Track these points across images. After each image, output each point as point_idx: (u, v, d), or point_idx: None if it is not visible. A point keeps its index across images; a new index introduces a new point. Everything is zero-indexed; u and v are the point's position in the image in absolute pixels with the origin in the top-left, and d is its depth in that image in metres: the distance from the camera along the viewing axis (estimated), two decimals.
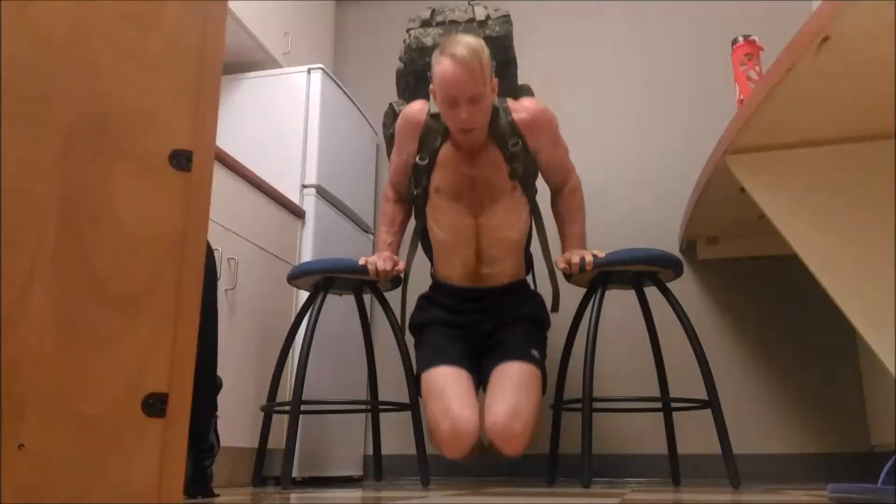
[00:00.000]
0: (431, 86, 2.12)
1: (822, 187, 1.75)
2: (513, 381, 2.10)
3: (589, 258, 2.15)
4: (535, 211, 2.34)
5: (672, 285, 2.26)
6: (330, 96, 2.90)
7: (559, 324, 2.47)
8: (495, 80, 2.13)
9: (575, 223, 2.32)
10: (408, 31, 2.41)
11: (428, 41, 2.32)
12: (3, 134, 0.73)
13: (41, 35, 0.77)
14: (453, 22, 2.34)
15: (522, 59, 3.29)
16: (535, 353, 2.18)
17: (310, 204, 2.71)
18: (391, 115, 2.43)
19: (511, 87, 2.37)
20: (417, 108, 2.25)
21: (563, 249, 2.31)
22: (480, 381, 2.28)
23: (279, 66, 2.93)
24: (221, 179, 2.19)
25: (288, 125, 2.78)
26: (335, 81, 2.97)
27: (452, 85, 2.01)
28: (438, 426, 2.04)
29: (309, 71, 2.85)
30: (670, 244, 2.96)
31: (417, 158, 2.24)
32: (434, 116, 2.20)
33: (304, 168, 2.74)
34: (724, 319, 2.86)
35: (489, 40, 2.23)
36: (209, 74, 0.83)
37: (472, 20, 2.33)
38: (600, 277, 2.20)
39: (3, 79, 0.74)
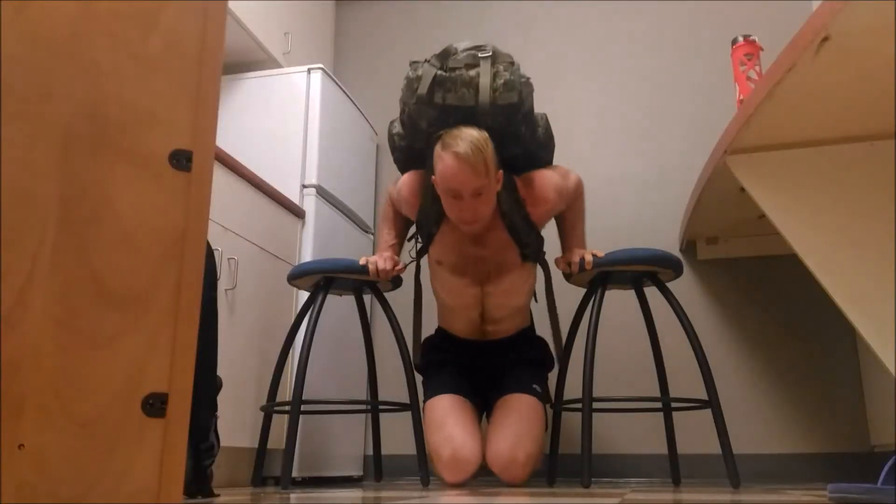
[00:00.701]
0: (433, 177, 2.02)
1: (822, 187, 1.75)
2: (515, 413, 2.14)
3: (589, 258, 2.16)
4: (544, 267, 2.34)
5: (672, 285, 2.26)
6: (330, 96, 2.90)
7: (559, 323, 2.47)
8: (500, 172, 2.03)
9: (575, 223, 2.32)
10: (402, 102, 2.12)
11: (422, 124, 2.06)
12: (2, 134, 0.73)
13: (41, 35, 0.77)
14: (454, 108, 2.00)
15: (522, 58, 3.29)
16: (536, 387, 2.24)
17: (310, 204, 2.71)
18: (391, 140, 2.25)
19: (523, 149, 2.14)
20: (410, 190, 2.16)
21: (564, 249, 2.31)
22: (485, 412, 2.34)
23: (279, 66, 2.93)
24: (221, 179, 2.19)
25: (288, 125, 2.78)
26: (335, 81, 2.97)
27: (455, 181, 1.94)
28: (440, 454, 2.08)
29: (309, 71, 2.85)
30: (670, 244, 2.96)
31: (415, 238, 2.25)
32: (431, 199, 2.10)
33: (304, 168, 2.74)
34: (724, 319, 2.86)
35: (493, 131, 2.01)
36: (209, 74, 0.83)
37: (472, 109, 2.00)
38: (600, 277, 2.20)
39: (3, 79, 0.74)
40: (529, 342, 2.38)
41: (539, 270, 2.36)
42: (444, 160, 1.95)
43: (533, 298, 2.41)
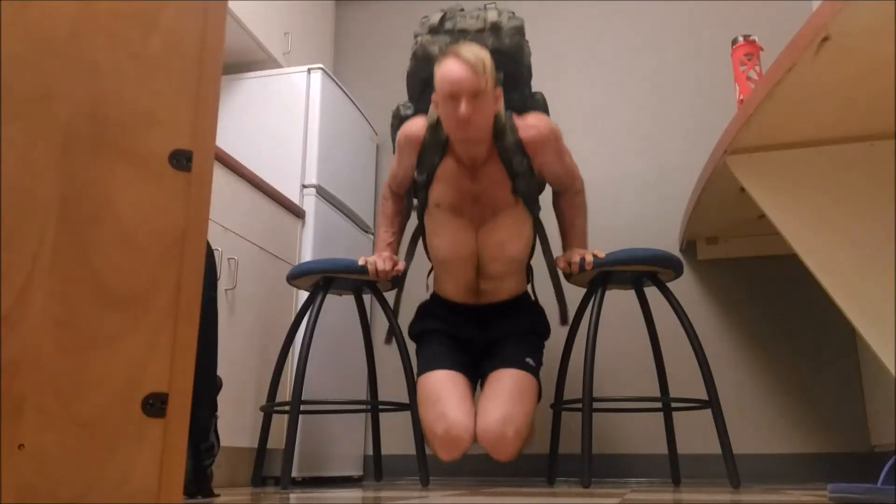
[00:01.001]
0: (434, 95, 2.10)
1: (822, 187, 1.75)
2: (506, 388, 2.11)
3: (589, 258, 2.16)
4: (539, 229, 2.33)
5: (672, 285, 2.26)
6: (330, 96, 2.90)
7: (559, 324, 2.47)
8: (499, 90, 2.09)
9: (576, 222, 2.32)
10: (415, 36, 2.31)
11: (434, 50, 2.22)
12: (3, 134, 0.73)
13: (41, 34, 0.77)
14: (463, 31, 2.22)
15: None
16: (529, 360, 2.20)
17: (310, 204, 2.71)
18: (397, 116, 2.39)
19: (522, 99, 2.29)
20: (417, 125, 2.21)
21: (564, 249, 2.31)
22: (479, 384, 2.29)
23: (279, 66, 2.93)
24: (221, 179, 2.19)
25: (288, 125, 2.78)
26: (335, 81, 2.97)
27: (453, 79, 1.98)
28: (434, 430, 2.06)
29: (309, 71, 2.85)
30: (670, 244, 2.96)
31: (416, 174, 2.23)
32: (433, 131, 2.16)
33: (304, 168, 2.74)
34: (724, 319, 2.86)
35: (499, 52, 2.16)
36: (209, 74, 0.83)
37: (482, 30, 2.20)
38: (600, 277, 2.20)
39: (3, 79, 0.74)
40: (525, 310, 2.33)
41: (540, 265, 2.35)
42: (444, 63, 2.03)
43: (532, 288, 2.41)
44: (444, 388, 2.11)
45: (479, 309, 2.29)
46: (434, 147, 2.17)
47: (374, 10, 3.65)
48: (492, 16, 2.21)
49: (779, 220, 1.75)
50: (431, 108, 2.17)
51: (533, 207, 2.25)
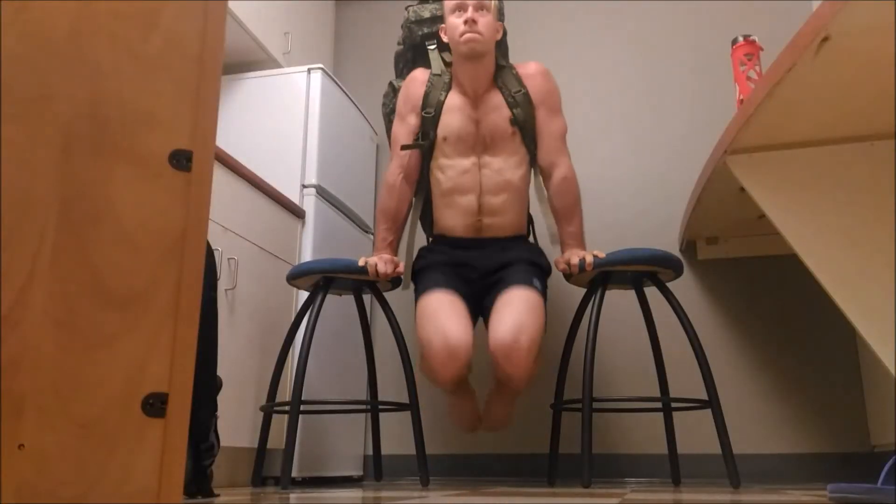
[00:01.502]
0: (441, 28, 2.37)
1: (822, 187, 1.75)
2: (517, 302, 2.08)
3: (589, 258, 2.16)
4: (535, 169, 2.42)
5: (672, 285, 2.26)
6: (330, 96, 2.90)
7: (559, 324, 2.47)
8: (501, 24, 2.35)
9: (572, 222, 2.31)
10: (406, 8, 2.52)
11: (425, 13, 2.45)
12: (3, 134, 0.73)
13: (41, 35, 0.77)
14: None
15: (522, 58, 3.29)
16: (536, 282, 2.19)
17: (310, 204, 2.71)
18: (391, 93, 2.52)
19: (504, 52, 2.51)
20: (420, 71, 2.42)
21: (563, 249, 2.31)
22: (481, 316, 2.31)
23: (279, 66, 2.93)
24: (221, 179, 2.19)
25: (288, 125, 2.78)
26: (335, 81, 2.97)
27: None
28: (431, 344, 2.02)
29: (309, 71, 2.85)
30: (670, 244, 2.96)
31: (424, 112, 2.34)
32: (437, 76, 2.37)
33: (304, 168, 2.74)
34: (724, 319, 2.86)
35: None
36: (209, 74, 0.83)
37: None
38: (600, 277, 2.20)
39: (3, 79, 0.74)
40: (526, 246, 2.34)
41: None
42: None
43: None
44: (441, 305, 2.10)
45: (480, 242, 2.31)
46: (439, 86, 2.37)
47: (374, 10, 3.65)
48: None
49: (779, 220, 1.75)
50: (435, 58, 2.40)
51: (529, 142, 2.34)
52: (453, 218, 2.31)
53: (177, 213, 0.78)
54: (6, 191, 0.72)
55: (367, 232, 3.22)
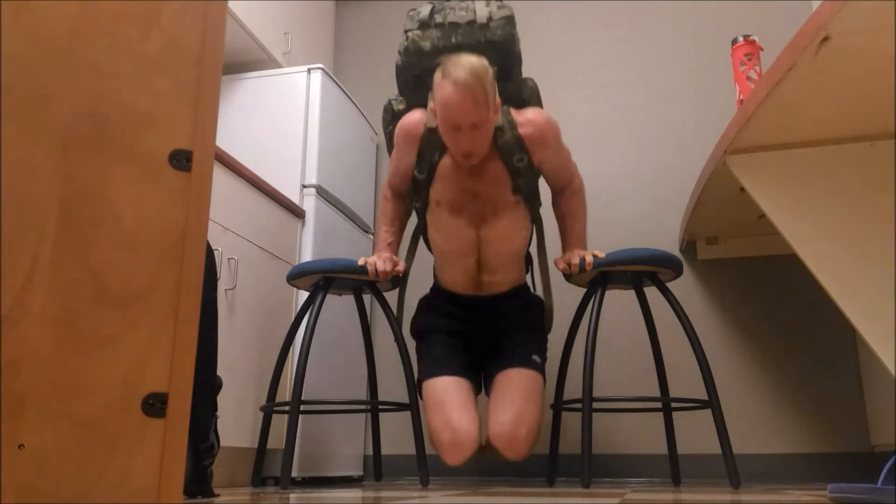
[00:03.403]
0: (431, 104, 2.07)
1: (822, 187, 1.75)
2: (516, 389, 2.13)
3: (589, 258, 2.16)
4: (537, 223, 2.34)
5: (672, 285, 2.26)
6: (330, 96, 2.90)
7: (559, 324, 2.47)
8: (498, 101, 2.06)
9: (576, 223, 2.32)
10: (405, 31, 2.26)
11: (426, 45, 2.18)
12: (3, 134, 0.73)
13: (41, 35, 0.77)
14: (453, 24, 2.16)
15: (523, 59, 3.29)
16: (536, 358, 2.21)
17: (310, 204, 2.71)
18: (389, 111, 2.37)
19: (515, 89, 2.27)
20: (415, 120, 2.18)
21: (564, 249, 2.31)
22: (482, 385, 2.30)
23: (279, 66, 2.93)
24: (221, 179, 2.19)
25: (288, 125, 2.78)
26: (335, 81, 2.97)
27: (454, 112, 1.95)
28: (440, 436, 2.08)
29: (309, 71, 2.85)
30: (670, 244, 2.96)
31: (416, 172, 2.21)
32: (430, 132, 2.14)
33: (304, 168, 2.74)
34: (724, 319, 2.86)
35: (490, 45, 2.13)
36: (209, 74, 0.83)
37: (472, 22, 2.16)
38: (600, 277, 2.20)
39: (3, 79, 0.74)
40: (525, 304, 2.33)
41: (537, 264, 2.34)
42: (443, 89, 1.97)
43: (531, 279, 2.42)
44: (448, 395, 2.14)
45: (480, 300, 2.29)
46: (433, 146, 2.15)
47: (374, 10, 3.65)
48: (480, 8, 2.16)
49: (779, 220, 1.75)
50: (429, 110, 2.13)
51: (533, 203, 2.26)
52: (453, 276, 2.30)
53: (177, 213, 0.78)
54: (6, 191, 0.72)
55: (367, 232, 3.22)
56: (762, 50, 2.32)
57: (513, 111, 2.17)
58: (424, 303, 2.39)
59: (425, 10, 2.23)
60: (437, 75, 2.00)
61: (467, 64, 1.96)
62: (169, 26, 0.82)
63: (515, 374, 2.16)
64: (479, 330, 2.29)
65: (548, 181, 2.32)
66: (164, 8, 0.82)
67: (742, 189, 1.86)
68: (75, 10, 0.79)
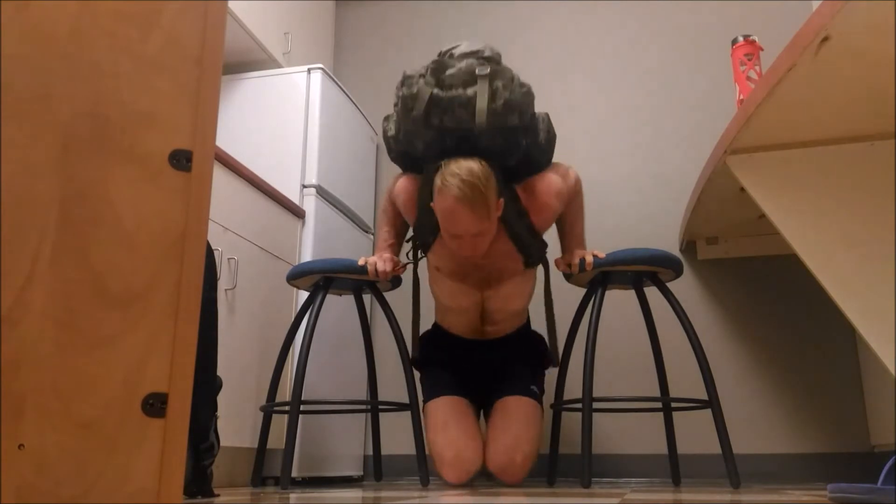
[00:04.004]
0: (433, 204, 1.97)
1: (822, 187, 1.75)
2: (513, 416, 2.18)
3: (589, 258, 2.16)
4: (544, 264, 2.30)
5: (672, 285, 2.26)
6: (330, 96, 2.90)
7: (559, 324, 2.47)
8: (500, 201, 1.97)
9: (575, 224, 2.32)
10: (395, 105, 2.06)
11: (419, 146, 2.02)
12: (3, 134, 0.73)
13: (41, 34, 0.77)
14: (451, 130, 1.94)
15: (522, 58, 3.30)
16: (534, 388, 2.27)
17: (310, 204, 2.71)
18: (385, 135, 2.18)
19: (536, 160, 2.11)
20: (408, 195, 2.11)
21: (563, 250, 2.31)
22: (482, 409, 2.38)
23: (279, 66, 2.93)
24: (221, 179, 2.19)
25: (288, 125, 2.78)
26: (335, 81, 2.97)
27: (455, 225, 1.91)
28: (443, 457, 2.12)
29: (309, 71, 2.85)
30: (670, 244, 2.96)
31: (413, 242, 2.20)
32: (428, 213, 2.02)
33: (304, 168, 2.74)
34: (724, 319, 2.86)
35: (492, 152, 1.96)
36: (209, 74, 0.83)
37: (470, 132, 1.93)
38: (600, 277, 2.20)
39: (3, 79, 0.74)
40: (526, 340, 2.40)
41: (540, 275, 2.35)
42: (443, 200, 1.89)
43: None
44: (451, 415, 2.18)
45: (482, 343, 2.35)
46: (429, 225, 2.06)
47: (374, 10, 3.65)
48: (481, 106, 1.89)
49: (779, 220, 1.75)
50: (423, 183, 2.02)
51: (542, 261, 2.25)
52: (455, 324, 2.33)
53: (177, 213, 0.78)
54: (6, 191, 0.72)
55: (367, 232, 3.22)
56: (762, 50, 2.32)
57: (520, 193, 2.07)
58: (426, 338, 2.43)
59: (422, 103, 1.93)
60: (437, 181, 1.90)
61: (467, 175, 1.85)
62: (169, 26, 0.82)
63: (513, 402, 2.21)
64: (480, 364, 2.35)
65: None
66: (164, 8, 0.82)
67: (742, 189, 1.86)
68: (75, 10, 0.78)
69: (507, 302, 2.23)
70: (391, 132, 2.15)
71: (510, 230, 2.07)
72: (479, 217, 1.88)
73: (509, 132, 1.95)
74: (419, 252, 2.24)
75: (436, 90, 1.93)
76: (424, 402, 2.29)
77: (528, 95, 2.00)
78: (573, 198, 2.30)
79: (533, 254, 2.15)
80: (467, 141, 1.93)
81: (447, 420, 2.16)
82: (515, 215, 2.05)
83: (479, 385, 2.34)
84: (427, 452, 2.18)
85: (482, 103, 1.89)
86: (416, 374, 2.34)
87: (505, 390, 2.25)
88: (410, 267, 2.36)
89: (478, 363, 2.35)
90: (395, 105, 2.05)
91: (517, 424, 2.15)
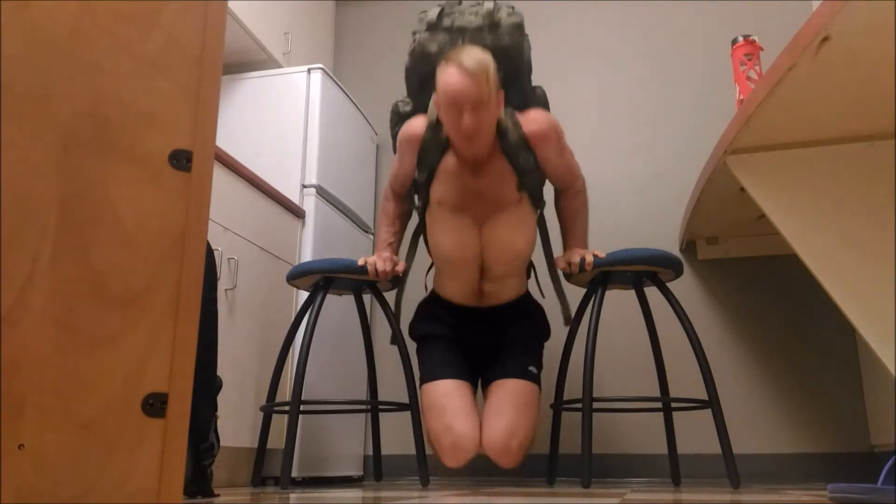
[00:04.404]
0: (434, 97, 2.07)
1: (822, 187, 1.75)
2: (510, 400, 2.15)
3: (589, 258, 2.16)
4: (542, 226, 2.35)
5: (672, 285, 2.26)
6: (330, 96, 2.90)
7: (559, 324, 2.47)
8: (501, 93, 2.06)
9: (577, 223, 2.32)
10: (414, 33, 2.26)
11: (433, 48, 2.18)
12: (3, 134, 0.73)
13: (41, 34, 0.77)
14: (461, 28, 2.16)
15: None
16: (532, 369, 2.23)
17: (310, 204, 2.71)
18: (396, 112, 2.36)
19: (523, 96, 2.25)
20: (416, 125, 2.18)
21: (565, 249, 2.31)
22: (481, 380, 2.31)
23: (279, 66, 2.93)
24: (221, 179, 2.19)
25: (288, 125, 2.78)
26: (335, 81, 2.97)
27: (456, 91, 1.95)
28: (441, 442, 2.10)
29: (309, 71, 2.85)
30: (670, 244, 2.96)
31: (416, 174, 2.22)
32: (433, 130, 2.13)
33: (304, 168, 2.74)
34: (724, 319, 2.86)
35: (498, 50, 2.11)
36: (209, 74, 0.83)
37: (480, 28, 2.15)
38: (600, 277, 2.20)
39: (3, 79, 0.74)
40: (526, 312, 2.34)
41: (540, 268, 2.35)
42: (446, 72, 1.98)
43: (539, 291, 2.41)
44: (449, 399, 2.15)
45: (480, 312, 2.30)
46: (434, 145, 2.15)
47: (374, 10, 3.65)
48: (489, 10, 2.17)
49: (779, 220, 1.75)
50: (432, 105, 2.14)
51: (538, 203, 2.26)
52: (453, 287, 2.28)
53: (177, 213, 0.78)
54: (6, 191, 0.72)
55: (367, 232, 3.22)
56: (762, 50, 2.32)
57: (517, 113, 2.17)
58: (423, 308, 2.39)
59: (433, 13, 2.21)
60: (441, 64, 2.02)
61: (470, 51, 1.99)
62: (169, 26, 0.82)
63: (511, 385, 2.18)
64: (478, 338, 2.30)
65: (552, 181, 2.31)
66: (164, 8, 0.82)
67: (742, 189, 1.86)
68: (75, 10, 0.79)
69: (507, 242, 2.16)
70: (399, 101, 2.35)
71: (505, 144, 2.11)
72: (479, 84, 1.94)
73: (516, 31, 2.17)
74: (424, 191, 2.25)
75: (446, 5, 2.25)
76: (421, 381, 2.24)
77: (524, 33, 2.24)
78: (575, 195, 2.30)
79: (527, 171, 2.15)
80: (478, 39, 2.14)
81: (445, 405, 2.13)
82: (511, 124, 2.12)
83: (478, 360, 2.30)
84: (425, 440, 2.17)
85: (489, 5, 2.18)
86: (419, 377, 2.33)
87: (503, 371, 2.21)
88: (412, 269, 2.36)
89: (477, 335, 2.29)
90: (413, 31, 2.27)
91: (514, 410, 2.12)
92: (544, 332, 2.36)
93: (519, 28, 2.18)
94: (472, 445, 2.08)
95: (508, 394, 2.16)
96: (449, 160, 2.14)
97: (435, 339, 2.30)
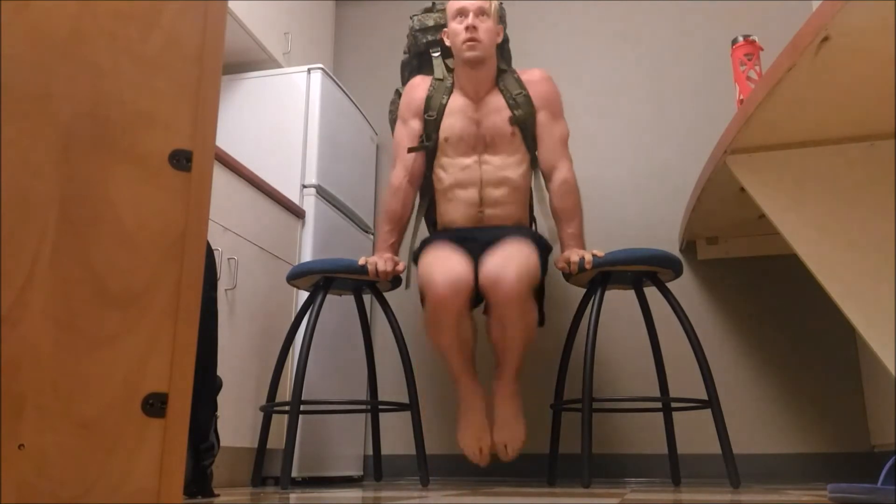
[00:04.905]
0: (443, 32, 2.45)
1: (822, 187, 1.75)
2: (507, 245, 2.13)
3: (588, 258, 2.16)
4: (535, 169, 2.46)
5: (672, 285, 2.26)
6: (330, 96, 2.90)
7: (559, 323, 2.47)
8: (501, 27, 2.41)
9: (572, 223, 2.32)
10: (411, 17, 2.60)
11: (430, 21, 2.53)
12: (3, 134, 0.73)
13: (41, 34, 0.77)
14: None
15: (522, 59, 3.29)
16: (531, 241, 2.23)
17: (310, 204, 2.71)
18: (396, 100, 2.61)
19: (507, 59, 2.56)
20: (420, 78, 2.49)
21: (562, 249, 2.31)
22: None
23: (279, 66, 2.93)
24: (221, 179, 2.19)
25: (288, 125, 2.78)
26: (335, 81, 2.97)
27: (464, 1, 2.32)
28: (433, 278, 2.03)
29: (309, 71, 2.85)
30: (670, 244, 2.96)
31: (426, 115, 2.41)
32: (439, 82, 2.44)
33: (304, 168, 2.74)
34: (724, 319, 2.86)
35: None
36: (209, 74, 0.83)
37: None
38: (600, 277, 2.20)
39: (3, 79, 0.74)
40: (527, 230, 2.36)
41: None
42: None
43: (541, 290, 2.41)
44: (444, 252, 2.17)
45: (481, 232, 2.34)
46: (441, 91, 2.44)
47: (374, 10, 3.65)
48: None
49: (779, 220, 1.75)
50: (437, 62, 2.48)
51: (530, 142, 2.39)
52: (455, 211, 2.37)
53: (177, 213, 0.78)
54: (6, 191, 0.72)
55: (367, 232, 3.22)
56: (762, 50, 2.32)
57: (517, 70, 2.48)
58: (427, 238, 2.43)
59: (429, 4, 2.63)
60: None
61: None
62: (169, 26, 0.82)
63: (508, 240, 2.17)
64: (481, 240, 2.32)
65: (539, 153, 2.40)
66: (164, 8, 0.82)
67: (742, 189, 1.86)
68: (75, 10, 0.79)
69: (502, 170, 2.34)
70: (401, 91, 2.61)
71: (502, 83, 2.41)
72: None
73: (500, 16, 2.47)
74: (431, 142, 2.42)
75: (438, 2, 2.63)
76: (419, 253, 2.31)
77: (505, 23, 2.56)
78: (566, 192, 2.31)
79: (519, 107, 2.37)
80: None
81: (438, 255, 2.14)
82: (509, 71, 2.44)
83: (477, 256, 2.29)
84: (419, 282, 2.14)
85: None
86: (420, 377, 2.33)
87: (501, 241, 2.22)
88: (410, 268, 2.36)
89: (477, 240, 2.32)
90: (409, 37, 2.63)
91: (510, 248, 2.09)
92: (543, 243, 2.33)
93: (503, 17, 2.51)
94: (466, 279, 2.02)
95: (504, 243, 2.15)
96: (454, 99, 2.40)
97: (437, 238, 2.36)
